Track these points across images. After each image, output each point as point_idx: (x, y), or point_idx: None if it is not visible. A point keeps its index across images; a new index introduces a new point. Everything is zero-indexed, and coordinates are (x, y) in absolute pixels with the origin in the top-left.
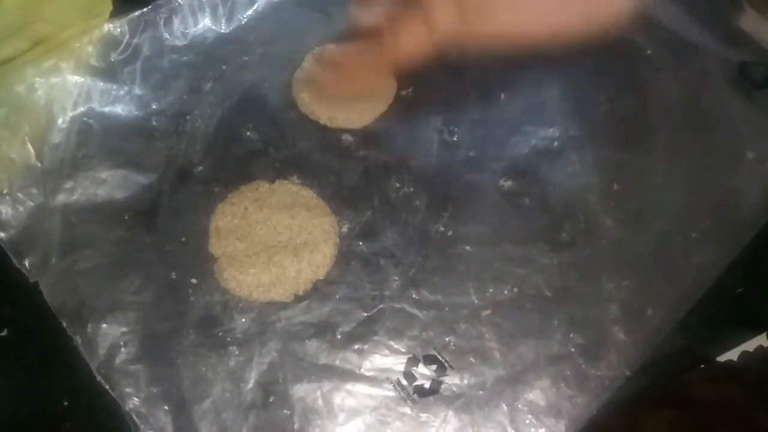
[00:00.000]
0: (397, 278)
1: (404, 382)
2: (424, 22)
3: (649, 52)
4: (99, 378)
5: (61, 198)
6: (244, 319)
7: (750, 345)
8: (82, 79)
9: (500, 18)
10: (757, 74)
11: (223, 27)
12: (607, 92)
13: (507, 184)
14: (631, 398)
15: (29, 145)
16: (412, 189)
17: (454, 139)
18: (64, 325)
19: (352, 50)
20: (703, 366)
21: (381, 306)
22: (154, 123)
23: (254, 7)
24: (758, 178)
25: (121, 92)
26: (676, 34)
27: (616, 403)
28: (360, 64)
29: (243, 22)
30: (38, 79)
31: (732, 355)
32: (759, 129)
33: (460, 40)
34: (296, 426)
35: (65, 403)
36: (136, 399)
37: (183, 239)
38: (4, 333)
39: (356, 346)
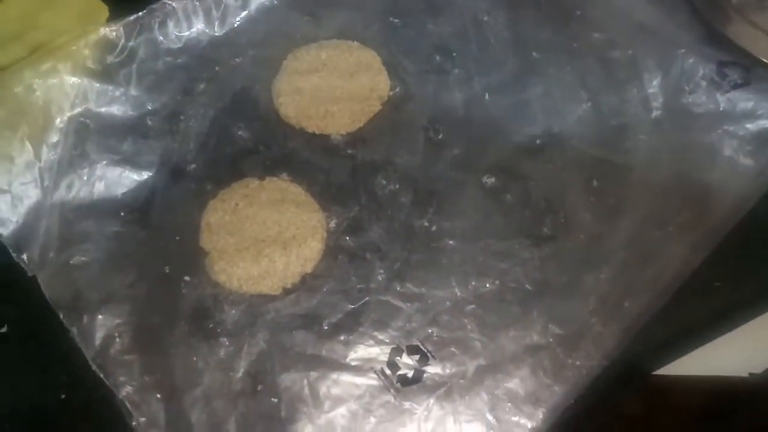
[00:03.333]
0: (382, 272)
1: (388, 372)
2: None
3: (630, 51)
4: (94, 367)
5: (58, 195)
6: (234, 311)
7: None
8: (79, 81)
9: None
10: (735, 74)
11: (216, 30)
12: (588, 91)
13: (490, 180)
14: (608, 387)
15: (28, 144)
16: (398, 186)
17: (440, 137)
18: (61, 317)
19: None
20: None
21: (367, 298)
22: (149, 123)
23: (246, 11)
24: (735, 175)
25: (117, 93)
26: (656, 34)
27: (593, 392)
28: None
29: (235, 25)
30: (36, 80)
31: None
32: (736, 127)
33: None
34: (283, 414)
35: (63, 396)
36: (129, 387)
37: (175, 234)
38: (5, 329)
39: (342, 337)
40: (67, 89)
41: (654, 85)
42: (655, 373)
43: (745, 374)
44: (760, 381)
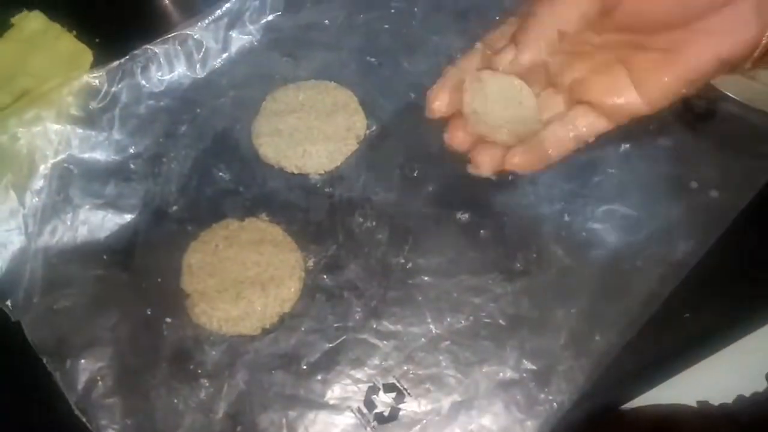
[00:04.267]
0: (359, 309)
1: (365, 410)
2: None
3: None
4: (77, 412)
5: (42, 240)
6: (214, 352)
7: (746, 389)
8: (63, 128)
9: None
10: (699, 107)
11: (197, 72)
12: None
13: (464, 216)
14: (580, 421)
15: (12, 192)
16: (374, 223)
17: (415, 174)
18: (45, 361)
19: None
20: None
21: (344, 337)
22: (132, 166)
23: (227, 53)
24: (701, 208)
25: (100, 138)
26: None
27: (565, 427)
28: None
29: (216, 67)
30: (20, 129)
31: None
32: (702, 160)
33: None
34: None
35: None
36: (111, 431)
37: (157, 276)
38: None
39: (320, 377)
40: (50, 136)
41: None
42: (624, 407)
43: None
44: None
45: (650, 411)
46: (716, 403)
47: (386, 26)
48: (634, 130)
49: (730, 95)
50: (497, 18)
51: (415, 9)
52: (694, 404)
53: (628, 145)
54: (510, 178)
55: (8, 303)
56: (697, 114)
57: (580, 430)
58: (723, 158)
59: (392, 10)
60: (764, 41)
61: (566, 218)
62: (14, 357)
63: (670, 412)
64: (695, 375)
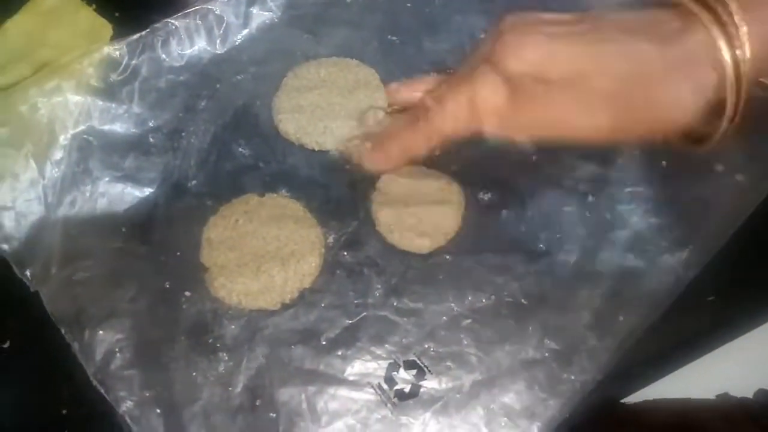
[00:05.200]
0: (379, 286)
1: (385, 386)
2: (472, 99)
3: None
4: (95, 383)
5: (61, 211)
6: (233, 326)
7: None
8: (83, 99)
9: (554, 108)
10: None
11: (217, 48)
12: None
13: (486, 196)
14: (602, 402)
15: (32, 162)
16: None
17: (437, 153)
18: (63, 332)
19: (393, 123)
20: (715, 398)
21: (364, 313)
22: (151, 140)
23: (247, 29)
24: (726, 190)
25: (120, 111)
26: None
27: (587, 407)
28: (403, 136)
29: (237, 43)
30: (41, 99)
31: (707, 362)
32: (727, 142)
33: (505, 124)
34: (281, 429)
35: (64, 412)
36: (129, 402)
37: (176, 250)
38: (7, 345)
39: (340, 352)
40: (70, 107)
41: None
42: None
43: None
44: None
45: (668, 406)
46: (736, 395)
47: (408, 5)
48: None
49: (760, 79)
50: None
51: None
52: (713, 395)
53: None
54: (534, 158)
55: (27, 273)
56: None
57: (603, 412)
58: (749, 141)
59: None
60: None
61: (590, 199)
62: (33, 327)
63: (689, 409)
64: (716, 363)
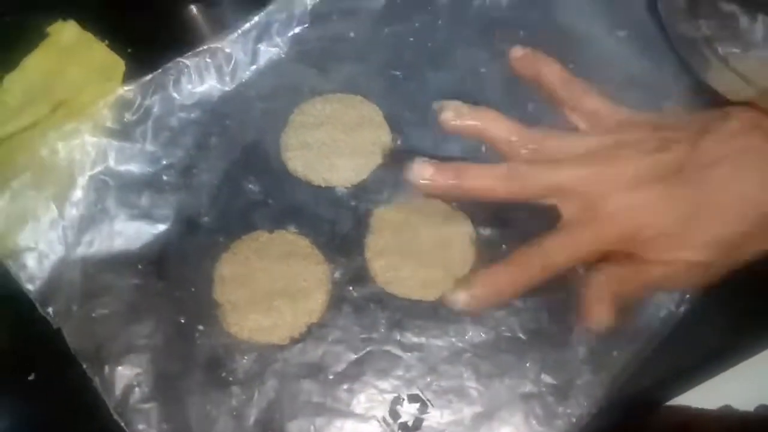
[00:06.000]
0: (384, 321)
1: (389, 420)
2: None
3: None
4: (116, 416)
5: (80, 250)
6: (245, 360)
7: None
8: (99, 140)
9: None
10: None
11: (227, 85)
12: None
13: (486, 231)
14: None
15: (52, 204)
16: None
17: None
18: (85, 367)
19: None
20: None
21: (369, 348)
22: (165, 177)
23: (255, 65)
24: None
25: (135, 150)
26: (646, 85)
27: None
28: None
29: (245, 80)
30: (60, 142)
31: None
32: None
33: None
34: None
35: None
36: None
37: (190, 286)
38: (32, 377)
39: (346, 386)
40: (88, 149)
41: None
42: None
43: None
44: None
45: (671, 413)
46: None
47: (411, 39)
48: None
49: None
50: (520, 32)
51: (439, 22)
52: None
53: None
54: None
55: (50, 310)
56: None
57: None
58: None
59: (416, 24)
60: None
61: None
62: (56, 362)
63: (690, 418)
64: (721, 381)
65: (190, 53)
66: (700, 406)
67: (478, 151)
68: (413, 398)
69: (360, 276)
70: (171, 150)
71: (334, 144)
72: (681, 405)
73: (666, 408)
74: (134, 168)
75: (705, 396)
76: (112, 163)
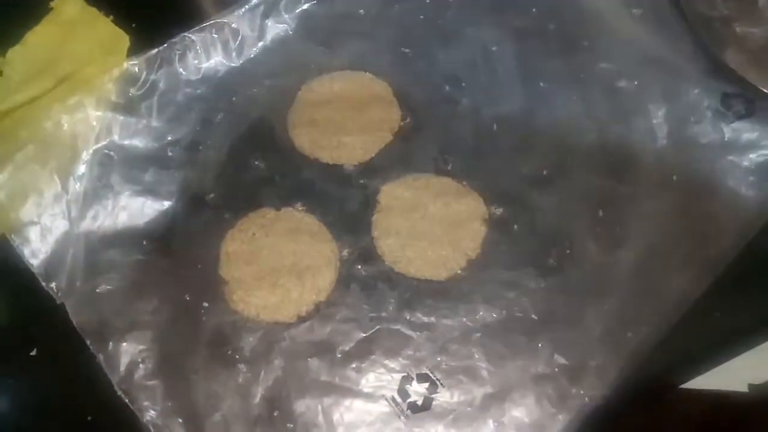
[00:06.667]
0: (393, 301)
1: (398, 399)
2: None
3: (636, 82)
4: (120, 393)
5: (84, 225)
6: (251, 338)
7: None
8: (104, 114)
9: None
10: (738, 105)
11: (233, 60)
12: (595, 121)
13: (498, 211)
14: (610, 417)
15: (56, 177)
16: None
17: (448, 167)
18: (88, 343)
19: None
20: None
21: (378, 327)
22: (170, 153)
23: (262, 41)
24: (736, 206)
25: (140, 125)
26: (662, 65)
27: (595, 421)
28: None
29: (252, 56)
30: (64, 115)
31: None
32: (740, 157)
33: None
34: None
35: (89, 418)
36: (153, 412)
37: (196, 263)
38: (34, 352)
39: (354, 365)
40: (92, 123)
41: (659, 116)
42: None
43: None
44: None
45: (688, 396)
46: None
47: (421, 17)
48: (671, 126)
49: None
50: (533, 10)
51: (450, 0)
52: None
53: (665, 142)
54: (545, 172)
55: (53, 286)
56: (735, 112)
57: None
58: (760, 156)
59: (427, 1)
60: None
61: (600, 214)
62: (59, 337)
63: (709, 399)
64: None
65: (196, 28)
66: (716, 389)
67: (489, 130)
68: (422, 378)
69: (368, 254)
70: (176, 126)
71: (342, 122)
72: (697, 388)
73: (682, 390)
74: (139, 143)
75: (721, 378)
76: (116, 137)
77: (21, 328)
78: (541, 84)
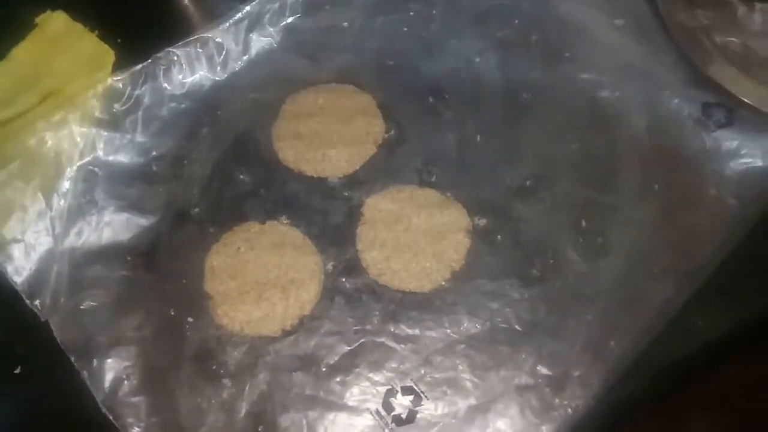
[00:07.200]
0: (377, 313)
1: (383, 412)
2: None
3: (617, 93)
4: (104, 410)
5: (68, 242)
6: (236, 353)
7: None
8: (88, 130)
9: None
10: (719, 114)
11: (218, 75)
12: (577, 131)
13: (482, 222)
14: (593, 427)
15: (40, 194)
16: None
17: (432, 179)
18: (73, 360)
19: None
20: None
21: (362, 340)
22: (155, 168)
23: (247, 55)
24: (719, 215)
25: (124, 140)
26: (644, 75)
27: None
28: None
29: (236, 70)
30: (48, 132)
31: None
32: (720, 167)
33: None
34: None
35: None
36: (137, 428)
37: (180, 278)
38: (18, 370)
39: (339, 378)
40: (76, 139)
41: (641, 125)
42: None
43: None
44: None
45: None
46: None
47: (405, 29)
48: (653, 136)
49: (749, 102)
50: (516, 21)
51: (434, 12)
52: None
53: (646, 151)
54: (528, 183)
55: (37, 303)
56: (715, 121)
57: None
58: (740, 165)
59: (411, 13)
60: None
61: (583, 224)
62: (43, 355)
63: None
64: None
65: (180, 43)
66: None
67: (473, 142)
68: (407, 390)
69: (353, 267)
70: (161, 140)
71: (326, 134)
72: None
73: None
74: (123, 158)
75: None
76: (100, 153)
77: (5, 346)
78: (524, 95)
